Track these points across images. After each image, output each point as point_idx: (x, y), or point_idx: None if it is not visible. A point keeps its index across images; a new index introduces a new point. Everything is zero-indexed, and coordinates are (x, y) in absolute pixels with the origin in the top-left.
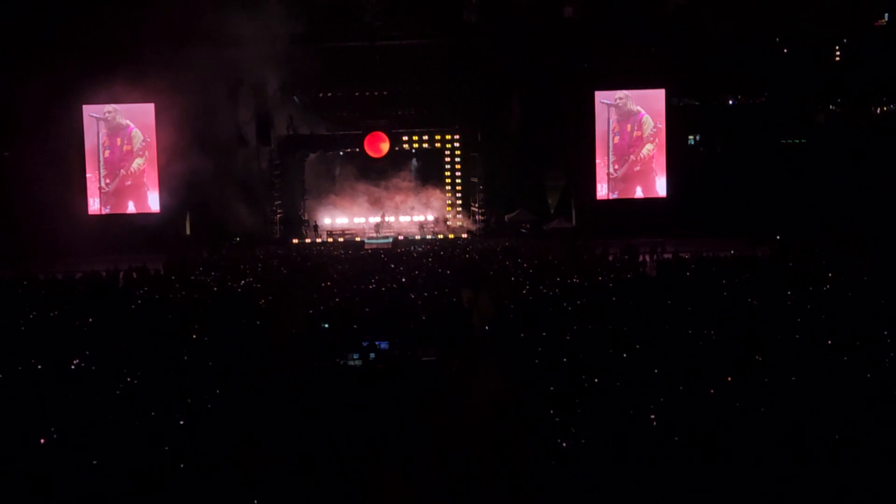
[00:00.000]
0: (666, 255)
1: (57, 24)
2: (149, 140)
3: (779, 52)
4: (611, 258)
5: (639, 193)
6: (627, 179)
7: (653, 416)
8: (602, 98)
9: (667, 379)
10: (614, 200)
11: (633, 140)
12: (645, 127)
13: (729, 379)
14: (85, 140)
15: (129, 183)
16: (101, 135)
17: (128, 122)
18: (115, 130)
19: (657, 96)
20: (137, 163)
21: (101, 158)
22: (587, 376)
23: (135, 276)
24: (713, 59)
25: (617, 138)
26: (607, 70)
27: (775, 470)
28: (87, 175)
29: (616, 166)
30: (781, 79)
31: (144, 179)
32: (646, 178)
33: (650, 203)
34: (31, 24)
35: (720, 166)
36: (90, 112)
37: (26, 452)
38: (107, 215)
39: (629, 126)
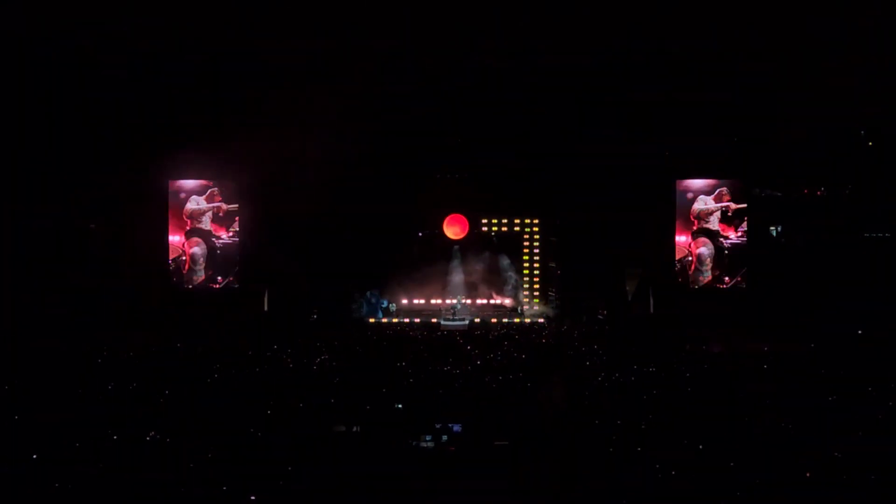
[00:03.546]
0: (744, 346)
1: (147, 103)
2: (231, 216)
3: (863, 144)
4: (687, 347)
5: (718, 283)
6: (707, 269)
7: None
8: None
9: (743, 472)
10: (693, 289)
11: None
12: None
13: (808, 475)
14: (169, 214)
15: (210, 258)
16: (185, 210)
17: (210, 198)
18: (199, 206)
19: (740, 187)
20: (220, 238)
21: (185, 232)
22: (661, 467)
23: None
24: (797, 151)
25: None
26: (689, 159)
27: None
28: (171, 247)
29: (695, 255)
30: (865, 172)
31: (226, 254)
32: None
33: (729, 293)
34: (121, 102)
35: (801, 258)
36: (176, 187)
37: None
38: (188, 289)
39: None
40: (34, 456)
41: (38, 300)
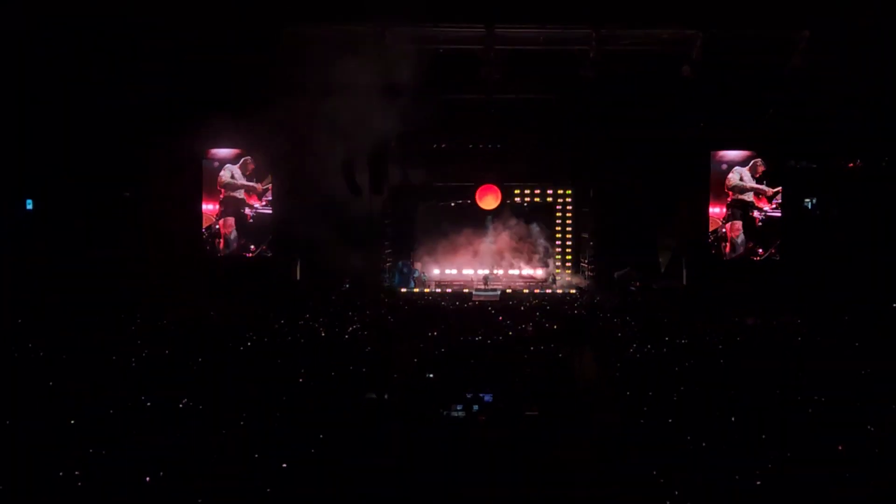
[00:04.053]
0: (777, 319)
1: (180, 68)
2: (263, 185)
3: None
4: (720, 320)
5: (752, 256)
6: (741, 241)
7: (759, 482)
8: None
9: (775, 444)
10: (726, 261)
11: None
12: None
13: (840, 448)
14: (203, 183)
15: (243, 227)
16: (218, 179)
17: (244, 168)
18: (234, 177)
19: (773, 158)
20: (253, 207)
21: (219, 201)
22: (693, 438)
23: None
24: (832, 122)
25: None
26: (724, 130)
27: None
28: (204, 216)
29: (729, 227)
30: None
31: (259, 223)
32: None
33: (763, 265)
34: (155, 66)
35: (835, 230)
36: (210, 156)
37: (132, 491)
38: (221, 258)
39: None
40: (72, 421)
41: (70, 267)
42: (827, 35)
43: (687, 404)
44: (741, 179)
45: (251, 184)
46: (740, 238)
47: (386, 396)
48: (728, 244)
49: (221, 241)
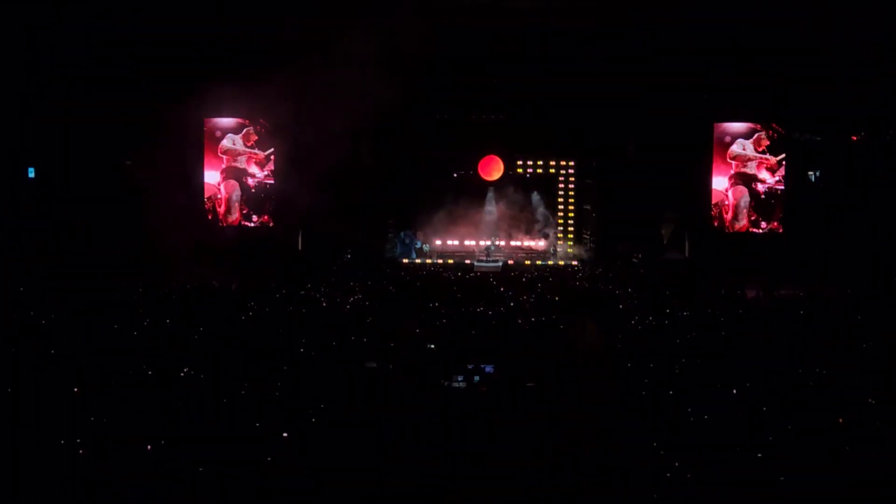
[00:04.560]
0: (780, 292)
1: (182, 36)
2: (266, 155)
3: None
4: (722, 291)
5: (755, 228)
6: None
7: (760, 455)
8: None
9: (776, 417)
10: (729, 234)
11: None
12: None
13: (840, 420)
14: (205, 152)
15: (245, 196)
16: (220, 148)
17: (246, 138)
18: (235, 146)
19: (778, 130)
20: (256, 177)
21: (221, 171)
22: (694, 410)
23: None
24: (838, 95)
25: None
26: (728, 102)
27: None
28: (206, 186)
29: (732, 199)
30: None
31: (261, 193)
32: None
33: (766, 237)
34: (155, 32)
35: (839, 204)
36: (212, 125)
37: (134, 458)
38: (223, 228)
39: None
40: (75, 390)
41: (70, 237)
42: (831, 7)
43: (688, 376)
44: (744, 151)
45: (253, 150)
46: (744, 200)
47: (387, 366)
48: (730, 216)
49: (223, 208)
